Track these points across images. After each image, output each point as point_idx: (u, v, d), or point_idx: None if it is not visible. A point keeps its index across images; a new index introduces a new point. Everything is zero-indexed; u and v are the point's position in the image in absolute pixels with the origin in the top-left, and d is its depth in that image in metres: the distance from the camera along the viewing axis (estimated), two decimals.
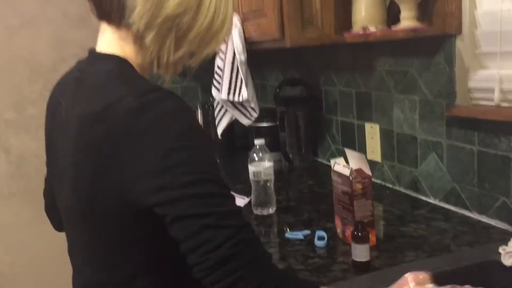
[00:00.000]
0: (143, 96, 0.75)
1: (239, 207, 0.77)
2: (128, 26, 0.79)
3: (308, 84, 2.02)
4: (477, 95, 1.28)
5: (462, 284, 0.86)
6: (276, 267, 0.78)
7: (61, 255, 2.54)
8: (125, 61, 0.82)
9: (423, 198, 1.50)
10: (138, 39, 0.80)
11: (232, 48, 1.69)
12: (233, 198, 0.77)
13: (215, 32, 0.84)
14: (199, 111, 2.44)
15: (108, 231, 0.81)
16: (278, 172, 1.77)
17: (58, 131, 0.88)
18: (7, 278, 2.45)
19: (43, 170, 2.71)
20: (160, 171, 0.72)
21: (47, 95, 2.82)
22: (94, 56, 0.85)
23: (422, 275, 0.84)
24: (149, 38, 0.79)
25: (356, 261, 1.09)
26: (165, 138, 0.72)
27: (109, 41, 0.83)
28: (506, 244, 1.06)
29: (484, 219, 1.29)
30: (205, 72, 2.60)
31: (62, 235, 2.39)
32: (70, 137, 0.81)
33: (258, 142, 1.49)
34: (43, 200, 1.13)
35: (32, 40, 2.41)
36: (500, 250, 1.05)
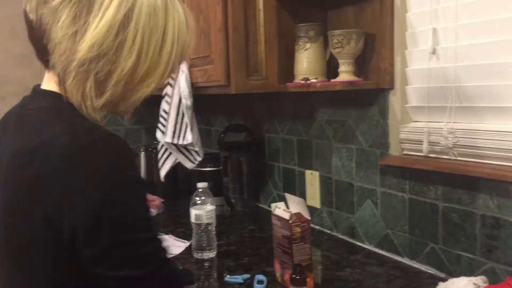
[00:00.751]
0: (78, 137, 0.72)
1: (163, 257, 0.78)
2: (53, 69, 0.79)
3: (252, 130, 2.07)
4: (408, 146, 1.37)
5: None
6: None
7: None
8: (61, 98, 0.79)
9: (359, 243, 1.55)
10: (61, 83, 0.78)
11: (178, 93, 1.72)
12: (158, 248, 0.77)
13: (143, 78, 0.79)
14: (142, 154, 2.43)
15: (38, 272, 0.77)
16: (220, 217, 1.78)
17: None
18: None
19: None
20: (91, 223, 0.70)
21: None
22: (36, 93, 0.84)
23: None
24: (68, 82, 0.76)
25: None
26: (100, 189, 0.70)
27: (48, 79, 0.82)
28: (434, 287, 1.12)
29: (415, 264, 1.36)
30: (149, 115, 2.61)
31: None
32: (1, 177, 0.78)
33: (201, 185, 1.51)
34: None
35: None
36: None
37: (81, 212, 0.70)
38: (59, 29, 0.74)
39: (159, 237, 0.78)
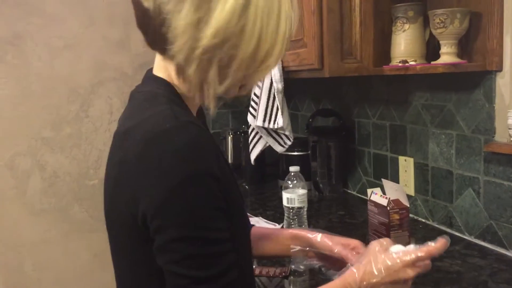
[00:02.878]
0: (160, 123, 0.73)
1: (232, 261, 0.73)
2: (171, 58, 0.78)
3: (341, 115, 2.04)
4: None
5: None
6: None
7: (86, 274, 2.56)
8: (168, 85, 0.82)
9: (458, 234, 1.48)
10: (181, 72, 0.78)
11: (269, 76, 1.72)
12: (228, 251, 0.73)
13: (263, 59, 0.77)
14: (230, 137, 2.47)
15: (124, 249, 0.82)
16: (308, 202, 1.77)
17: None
18: None
19: (74, 188, 2.73)
20: (157, 213, 0.70)
21: (83, 116, 2.89)
22: (146, 76, 0.87)
23: (386, 241, 0.89)
24: (190, 71, 0.76)
25: None
26: (169, 180, 0.69)
27: (158, 65, 0.85)
28: None
29: None
30: (236, 99, 2.65)
31: (89, 255, 2.43)
32: (109, 156, 0.84)
33: (293, 169, 1.50)
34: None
35: (73, 61, 2.49)
36: None
37: (151, 200, 0.70)
38: (182, 18, 0.72)
39: (229, 240, 0.74)
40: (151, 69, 0.87)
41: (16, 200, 2.44)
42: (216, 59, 0.74)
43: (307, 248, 1.04)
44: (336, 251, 0.98)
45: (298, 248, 1.02)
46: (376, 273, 0.84)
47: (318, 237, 1.02)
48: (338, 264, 0.99)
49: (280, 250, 1.07)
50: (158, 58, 0.85)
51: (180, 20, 0.72)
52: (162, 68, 0.83)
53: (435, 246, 0.89)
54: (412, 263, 0.86)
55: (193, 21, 0.72)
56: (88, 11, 2.48)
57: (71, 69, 2.48)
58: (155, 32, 0.77)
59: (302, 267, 1.10)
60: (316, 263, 1.04)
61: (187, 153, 0.71)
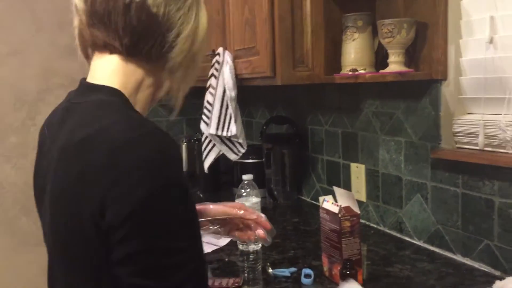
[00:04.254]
0: (124, 131, 0.72)
1: (192, 271, 0.73)
2: (162, 61, 0.83)
3: (294, 122, 2.05)
4: (461, 139, 1.32)
5: None
6: None
7: (36, 286, 2.46)
8: (118, 93, 0.80)
9: (407, 239, 1.52)
10: (170, 73, 0.84)
11: (222, 84, 1.71)
12: (189, 261, 0.72)
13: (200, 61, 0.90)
14: (184, 145, 2.44)
15: (78, 268, 0.77)
16: (262, 209, 1.76)
17: (42, 165, 0.86)
18: None
19: (20, 200, 2.63)
20: (124, 223, 0.68)
21: (30, 124, 2.80)
22: (86, 87, 0.83)
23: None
24: (179, 72, 0.85)
25: None
26: (138, 191, 0.68)
27: (107, 72, 0.82)
28: (489, 285, 1.08)
29: (468, 261, 1.31)
30: (190, 107, 2.63)
31: (37, 269, 2.34)
32: (50, 171, 0.79)
33: (247, 177, 1.50)
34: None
35: (19, 68, 2.40)
36: None
37: (119, 209, 0.68)
38: (189, 25, 0.83)
39: (195, 249, 0.74)
40: (85, 79, 0.84)
41: None
42: (195, 63, 0.87)
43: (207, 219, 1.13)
44: (228, 210, 1.11)
45: (212, 227, 1.13)
46: None
47: (210, 206, 1.13)
48: (233, 225, 1.13)
49: None
50: (110, 66, 0.82)
51: (187, 26, 0.83)
52: (117, 75, 0.81)
53: None
54: None
55: (193, 28, 0.84)
56: (36, 16, 2.41)
57: (17, 75, 2.39)
58: (157, 37, 0.81)
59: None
60: (219, 229, 1.13)
61: (157, 163, 0.70)
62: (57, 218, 0.78)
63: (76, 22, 0.85)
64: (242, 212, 1.12)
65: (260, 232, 1.10)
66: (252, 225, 1.12)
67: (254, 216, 1.11)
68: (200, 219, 1.09)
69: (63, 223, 0.77)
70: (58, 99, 2.75)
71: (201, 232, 1.04)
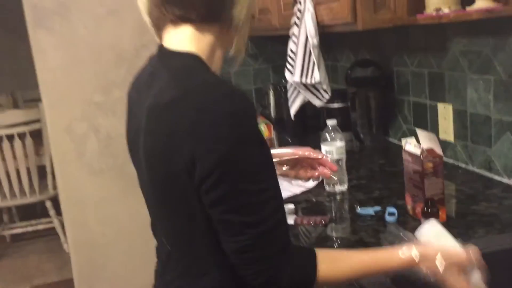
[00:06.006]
0: (205, 96, 0.81)
1: (273, 209, 0.84)
2: (229, 22, 0.90)
3: (379, 65, 2.04)
4: None
5: None
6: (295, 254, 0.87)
7: (147, 226, 2.75)
8: (196, 58, 0.88)
9: (496, 177, 1.51)
10: (237, 31, 0.92)
11: (304, 32, 1.75)
12: (269, 200, 0.83)
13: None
14: (271, 92, 2.53)
15: (177, 210, 0.90)
16: (349, 152, 1.81)
17: (133, 123, 0.97)
18: (99, 247, 2.70)
19: (127, 148, 2.91)
20: (212, 173, 0.79)
21: (130, 79, 3.04)
22: (167, 53, 0.91)
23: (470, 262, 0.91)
24: (243, 28, 0.92)
25: None
26: (220, 143, 0.79)
27: (183, 40, 0.89)
28: None
29: None
30: (276, 54, 2.69)
31: (146, 210, 2.61)
32: (141, 129, 0.89)
33: (330, 122, 1.56)
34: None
35: (116, 27, 2.59)
36: None
37: (208, 161, 0.79)
38: None
39: (275, 188, 0.85)
40: (163, 46, 0.92)
41: (76, 161, 2.63)
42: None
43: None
44: (296, 152, 1.21)
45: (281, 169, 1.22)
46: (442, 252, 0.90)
47: (277, 149, 1.23)
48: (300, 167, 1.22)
49: None
50: (182, 34, 0.89)
51: None
52: (189, 41, 0.89)
53: None
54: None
55: None
56: None
57: (116, 34, 2.58)
58: (225, 1, 0.89)
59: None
60: (288, 170, 1.22)
61: (236, 118, 0.80)
62: (153, 170, 0.90)
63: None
64: (307, 153, 1.21)
65: (325, 171, 1.20)
66: (318, 166, 1.21)
67: (319, 156, 1.20)
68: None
69: (159, 174, 0.88)
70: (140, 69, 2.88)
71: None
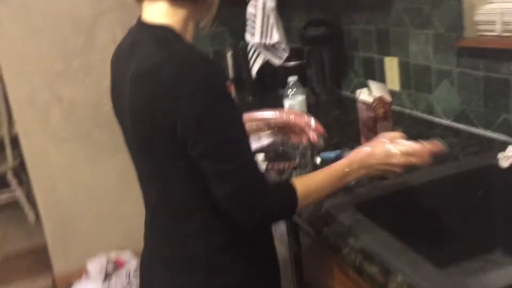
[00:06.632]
0: (183, 62, 0.91)
1: (249, 156, 0.96)
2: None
3: (331, 23, 2.20)
4: (482, 27, 1.47)
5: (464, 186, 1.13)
6: (273, 190, 1.00)
7: (114, 190, 2.85)
8: (171, 30, 0.99)
9: (437, 119, 1.73)
10: (210, 6, 1.03)
11: None
12: (245, 148, 0.96)
13: None
14: (229, 54, 2.65)
15: (161, 163, 1.02)
16: (307, 106, 1.99)
17: (117, 88, 1.09)
18: (70, 212, 2.79)
19: (91, 115, 2.95)
20: (194, 129, 0.91)
21: (89, 47, 3.08)
22: (145, 25, 1.01)
23: (394, 134, 1.13)
24: (215, 3, 1.02)
25: None
26: (197, 103, 0.90)
27: (159, 14, 1.00)
28: (504, 150, 1.30)
29: (488, 133, 1.52)
30: (232, 17, 2.78)
31: (115, 174, 2.77)
32: (126, 92, 1.01)
33: (292, 78, 1.72)
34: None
35: None
36: (499, 155, 1.28)
37: (188, 118, 0.91)
38: None
39: (247, 138, 0.97)
40: (141, 19, 1.03)
41: (41, 131, 2.67)
42: None
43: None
44: (291, 118, 1.30)
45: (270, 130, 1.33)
46: (377, 156, 1.09)
47: (270, 114, 1.32)
48: (287, 130, 1.33)
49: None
50: (158, 8, 1.00)
51: None
52: (168, 16, 1.00)
53: (432, 144, 1.12)
54: (407, 153, 1.09)
55: None
56: None
57: (72, 3, 2.60)
58: None
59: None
60: (275, 132, 1.34)
61: (214, 79, 0.93)
62: (139, 128, 1.02)
63: None
64: (292, 116, 1.30)
65: (312, 135, 1.31)
66: (306, 129, 1.30)
67: (304, 121, 1.30)
68: (259, 121, 1.33)
69: (144, 132, 1.01)
70: (111, 22, 3.00)
71: (262, 133, 1.29)
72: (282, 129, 1.34)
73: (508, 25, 1.37)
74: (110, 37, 2.63)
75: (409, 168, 1.13)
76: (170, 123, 0.94)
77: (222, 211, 0.98)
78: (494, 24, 1.41)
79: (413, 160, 1.09)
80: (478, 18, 1.48)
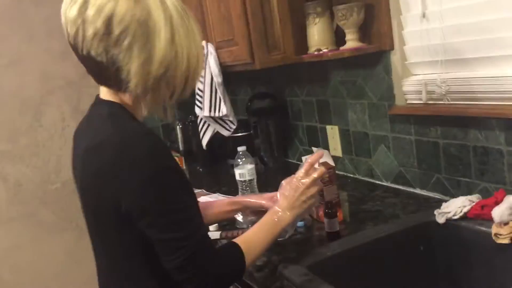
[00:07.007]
0: (127, 137, 0.96)
1: (198, 223, 1.00)
2: (127, 92, 0.99)
3: (275, 96, 2.34)
4: (410, 96, 1.63)
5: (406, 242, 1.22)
6: (221, 256, 1.04)
7: (62, 271, 2.74)
8: (120, 106, 1.03)
9: (378, 182, 1.85)
10: (139, 101, 1.03)
11: (209, 72, 1.99)
12: (193, 217, 0.99)
13: (195, 69, 1.01)
14: (179, 127, 2.72)
15: (109, 237, 1.05)
16: (256, 173, 2.07)
17: (75, 160, 1.12)
18: None
19: (38, 194, 2.87)
20: (140, 200, 0.94)
21: (37, 125, 3.08)
22: (98, 102, 1.07)
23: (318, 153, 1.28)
24: (148, 98, 1.00)
25: (329, 232, 1.41)
26: (141, 176, 0.93)
27: (108, 93, 1.04)
28: (440, 207, 1.41)
29: (425, 192, 1.64)
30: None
31: (62, 254, 2.70)
32: (79, 165, 1.07)
33: (241, 148, 1.80)
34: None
35: (19, 76, 2.62)
36: (435, 212, 1.39)
37: (132, 192, 0.96)
38: (134, 62, 0.94)
39: (196, 206, 1.00)
40: (99, 96, 1.08)
41: None
42: (165, 83, 0.98)
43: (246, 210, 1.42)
44: (264, 203, 1.34)
45: (240, 215, 1.44)
46: (289, 195, 1.20)
47: (250, 198, 1.42)
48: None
49: (222, 215, 1.41)
50: (107, 89, 1.04)
51: (132, 64, 0.94)
52: (113, 95, 1.04)
53: (312, 158, 1.27)
54: (305, 175, 1.23)
55: (142, 61, 0.94)
56: (26, 27, 2.61)
57: (19, 83, 2.62)
58: (110, 78, 0.98)
59: (245, 225, 1.49)
60: (254, 218, 1.37)
61: (159, 151, 0.98)
62: (87, 204, 1.07)
63: None
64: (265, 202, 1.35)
65: None
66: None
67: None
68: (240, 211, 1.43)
69: (91, 208, 1.06)
70: (59, 100, 3.02)
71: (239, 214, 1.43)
72: (259, 214, 1.35)
73: (432, 94, 1.53)
74: (58, 116, 2.65)
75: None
76: (114, 203, 0.97)
77: (173, 282, 1.00)
78: (420, 93, 1.56)
79: (314, 175, 1.23)
80: (405, 88, 1.64)
